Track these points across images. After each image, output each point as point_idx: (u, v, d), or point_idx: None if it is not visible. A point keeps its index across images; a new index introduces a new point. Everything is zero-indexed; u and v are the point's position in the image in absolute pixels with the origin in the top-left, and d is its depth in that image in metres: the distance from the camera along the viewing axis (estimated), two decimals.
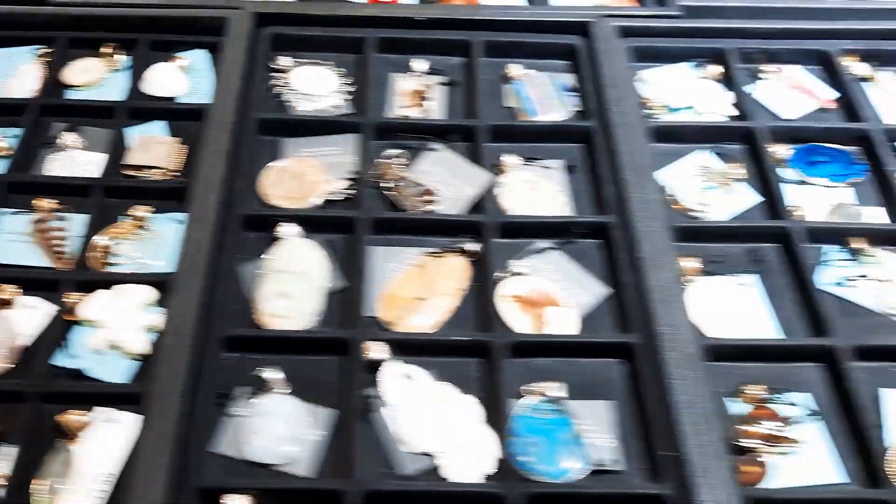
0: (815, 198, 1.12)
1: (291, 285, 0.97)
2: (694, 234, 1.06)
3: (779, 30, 1.30)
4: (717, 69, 1.26)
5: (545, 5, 1.36)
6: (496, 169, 1.12)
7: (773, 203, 1.09)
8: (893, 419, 0.90)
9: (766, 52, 1.28)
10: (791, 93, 1.25)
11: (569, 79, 1.25)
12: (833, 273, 1.03)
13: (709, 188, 1.12)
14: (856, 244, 1.05)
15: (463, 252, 1.02)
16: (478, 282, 1.00)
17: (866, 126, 1.18)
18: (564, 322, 0.97)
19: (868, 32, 1.29)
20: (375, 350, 0.91)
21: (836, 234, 1.06)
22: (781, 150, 1.16)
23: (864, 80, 1.27)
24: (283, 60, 1.23)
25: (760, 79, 1.27)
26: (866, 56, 1.28)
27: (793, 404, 0.91)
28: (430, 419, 0.88)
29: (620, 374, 0.93)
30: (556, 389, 0.89)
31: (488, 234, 1.03)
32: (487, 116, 1.18)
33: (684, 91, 1.23)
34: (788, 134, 1.18)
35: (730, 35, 1.29)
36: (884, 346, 0.94)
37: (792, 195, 1.12)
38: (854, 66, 1.27)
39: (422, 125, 1.16)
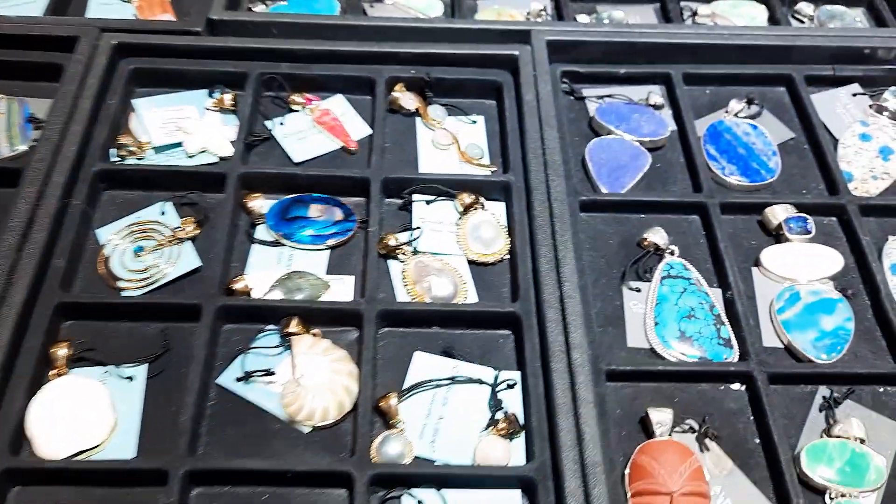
0: (279, 262, 0.92)
1: None
2: (81, 309, 0.84)
3: (323, 51, 1.09)
4: (232, 99, 1.05)
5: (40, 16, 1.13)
6: None
7: (211, 270, 0.88)
8: None
9: (299, 78, 1.07)
10: (314, 130, 1.04)
11: (40, 105, 1.03)
12: (248, 363, 0.82)
13: (141, 249, 0.90)
14: (290, 328, 0.84)
15: None
16: None
17: (367, 174, 0.97)
18: None
19: (422, 57, 1.09)
20: None
21: (274, 314, 0.86)
22: (262, 203, 0.95)
23: (415, 113, 1.07)
24: None
25: (293, 110, 1.07)
26: (415, 86, 1.08)
27: None
28: None
29: None
30: None
31: None
32: None
33: (181, 126, 1.01)
34: (281, 182, 0.97)
35: (261, 57, 1.08)
36: (215, 469, 0.73)
37: (255, 258, 0.92)
38: (404, 98, 1.07)
39: None
